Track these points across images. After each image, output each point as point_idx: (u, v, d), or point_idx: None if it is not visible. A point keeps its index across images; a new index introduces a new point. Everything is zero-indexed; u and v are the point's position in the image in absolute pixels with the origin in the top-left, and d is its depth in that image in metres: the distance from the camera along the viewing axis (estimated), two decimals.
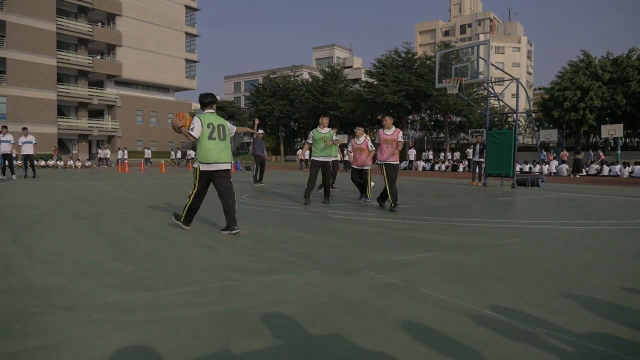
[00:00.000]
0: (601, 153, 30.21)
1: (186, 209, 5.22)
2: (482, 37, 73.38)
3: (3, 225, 5.44)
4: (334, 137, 8.35)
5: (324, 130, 8.36)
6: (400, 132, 7.76)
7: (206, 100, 5.20)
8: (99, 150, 37.98)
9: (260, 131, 13.12)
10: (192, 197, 5.19)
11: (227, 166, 5.18)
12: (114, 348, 2.02)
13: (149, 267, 3.50)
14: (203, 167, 5.08)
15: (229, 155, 5.20)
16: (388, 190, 7.42)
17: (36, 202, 8.22)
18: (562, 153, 28.77)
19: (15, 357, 1.94)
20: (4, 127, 14.75)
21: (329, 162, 8.29)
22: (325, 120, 8.42)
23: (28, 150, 15.40)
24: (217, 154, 5.05)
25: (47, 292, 2.83)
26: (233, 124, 5.45)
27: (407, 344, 2.11)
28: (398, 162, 7.72)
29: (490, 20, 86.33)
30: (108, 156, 35.96)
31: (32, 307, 2.54)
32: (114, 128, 49.34)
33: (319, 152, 8.20)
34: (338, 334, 2.22)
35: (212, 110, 5.23)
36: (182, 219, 5.28)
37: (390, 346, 2.08)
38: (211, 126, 5.02)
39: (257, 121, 13.85)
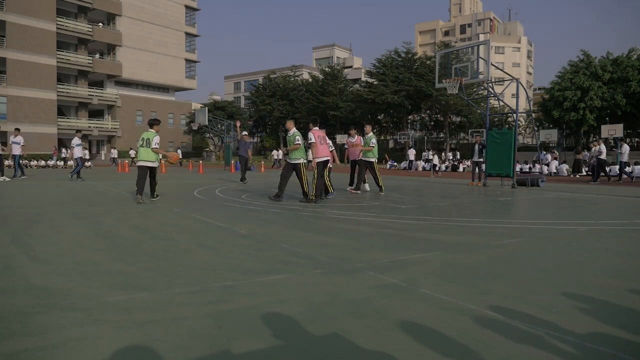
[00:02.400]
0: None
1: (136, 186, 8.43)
2: (482, 37, 73.39)
3: (3, 225, 5.44)
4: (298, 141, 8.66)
5: (290, 133, 8.80)
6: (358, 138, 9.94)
7: (149, 123, 8.68)
8: (63, 149, 37.60)
9: (245, 132, 14.14)
10: (136, 180, 8.45)
11: (149, 164, 8.37)
12: (114, 348, 2.02)
13: (149, 267, 3.50)
14: (138, 163, 8.47)
15: (148, 157, 8.33)
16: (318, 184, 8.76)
17: (36, 202, 8.23)
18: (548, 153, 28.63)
19: (15, 357, 1.94)
20: None
21: (294, 163, 8.72)
22: (288, 124, 9.08)
23: None
24: (141, 155, 8.37)
25: (47, 292, 2.83)
26: (157, 141, 8.40)
27: (407, 344, 2.11)
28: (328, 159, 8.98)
29: (490, 20, 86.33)
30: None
31: (32, 307, 2.54)
32: (114, 128, 49.37)
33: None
34: (338, 334, 2.22)
35: (152, 130, 8.50)
36: (136, 193, 8.33)
37: (390, 346, 2.08)
38: (142, 140, 8.41)
39: (238, 123, 15.12)
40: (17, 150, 15.18)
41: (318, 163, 8.62)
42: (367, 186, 11.32)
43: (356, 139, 10.96)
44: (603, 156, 17.06)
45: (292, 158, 8.69)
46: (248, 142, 14.24)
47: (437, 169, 23.65)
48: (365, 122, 10.44)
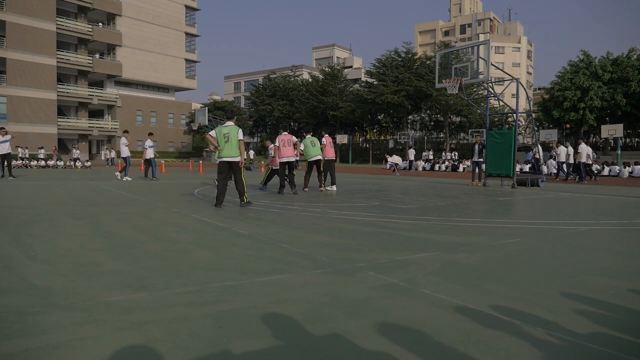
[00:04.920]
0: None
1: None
2: (482, 37, 73.39)
3: (3, 225, 5.44)
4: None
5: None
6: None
7: (229, 115, 7.87)
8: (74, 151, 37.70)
9: None
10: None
11: (233, 159, 7.64)
12: (114, 348, 2.02)
13: (149, 267, 3.50)
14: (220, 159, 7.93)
15: (235, 152, 7.58)
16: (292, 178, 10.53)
17: (36, 202, 8.22)
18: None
19: (15, 357, 1.94)
20: None
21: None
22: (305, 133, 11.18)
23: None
24: (227, 152, 7.55)
25: (47, 292, 2.83)
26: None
27: (407, 344, 2.11)
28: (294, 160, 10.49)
29: (490, 20, 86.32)
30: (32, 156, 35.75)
31: (32, 307, 2.54)
32: (114, 128, 49.35)
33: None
34: (338, 334, 2.22)
35: (230, 123, 7.71)
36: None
37: (390, 346, 2.08)
38: (226, 136, 7.59)
39: None
40: (3, 150, 15.52)
41: (281, 163, 10.21)
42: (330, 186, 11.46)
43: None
44: (537, 156, 19.39)
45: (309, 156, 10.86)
46: None
47: (397, 167, 26.04)
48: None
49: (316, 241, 4.65)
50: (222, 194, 7.54)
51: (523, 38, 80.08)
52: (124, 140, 15.33)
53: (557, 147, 19.99)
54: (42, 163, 33.22)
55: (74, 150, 36.85)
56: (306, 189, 10.94)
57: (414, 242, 4.64)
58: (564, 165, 19.17)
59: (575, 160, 18.28)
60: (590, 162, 18.65)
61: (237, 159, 7.53)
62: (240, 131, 7.64)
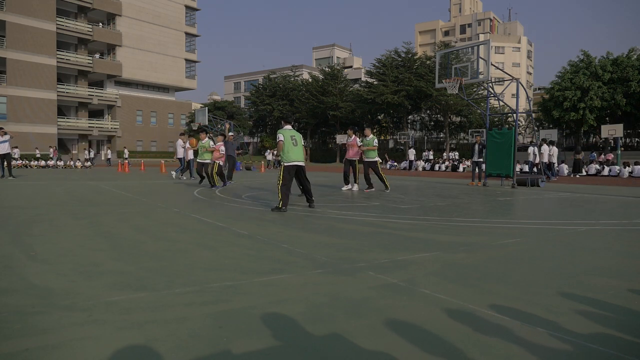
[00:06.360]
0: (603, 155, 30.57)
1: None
2: (482, 37, 73.38)
3: (3, 225, 5.44)
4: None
5: (368, 138, 11.19)
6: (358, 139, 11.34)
7: (288, 120, 7.79)
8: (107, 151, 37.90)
9: (231, 133, 14.70)
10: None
11: (302, 164, 7.54)
12: (114, 348, 2.02)
13: (149, 267, 3.50)
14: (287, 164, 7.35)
15: (302, 156, 7.54)
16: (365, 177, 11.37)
17: (36, 202, 8.22)
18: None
19: (15, 357, 1.94)
20: None
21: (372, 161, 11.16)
22: (366, 131, 11.30)
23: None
24: (296, 155, 7.38)
25: (47, 292, 2.83)
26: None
27: (407, 344, 2.11)
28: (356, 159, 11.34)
29: (490, 20, 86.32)
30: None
31: (32, 307, 2.54)
32: (114, 128, 49.36)
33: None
34: (338, 334, 2.22)
35: (289, 126, 7.60)
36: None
37: (390, 346, 2.08)
38: (293, 139, 7.40)
39: (227, 125, 16.22)
40: (3, 150, 15.71)
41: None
42: (356, 186, 11.48)
43: (352, 139, 11.37)
44: None
45: (370, 157, 11.19)
46: (235, 143, 14.97)
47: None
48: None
49: (316, 241, 4.65)
50: (287, 197, 7.24)
51: (523, 38, 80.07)
52: (180, 142, 16.42)
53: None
54: (42, 163, 33.23)
55: (50, 149, 36.63)
56: (372, 189, 11.18)
57: (414, 242, 4.64)
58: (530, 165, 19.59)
59: (539, 160, 18.90)
60: (554, 162, 19.50)
61: (304, 164, 7.70)
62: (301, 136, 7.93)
